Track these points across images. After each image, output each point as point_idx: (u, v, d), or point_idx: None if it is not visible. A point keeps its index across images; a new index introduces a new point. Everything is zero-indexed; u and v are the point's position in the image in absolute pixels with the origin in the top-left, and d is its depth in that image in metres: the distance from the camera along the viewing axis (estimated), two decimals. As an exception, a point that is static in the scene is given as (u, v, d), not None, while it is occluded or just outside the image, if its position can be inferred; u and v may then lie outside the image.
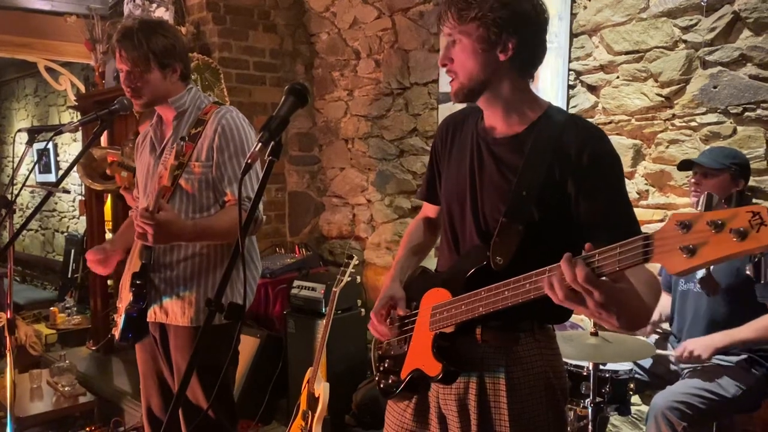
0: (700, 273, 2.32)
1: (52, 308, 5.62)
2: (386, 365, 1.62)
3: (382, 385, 1.62)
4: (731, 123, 2.53)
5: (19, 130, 2.40)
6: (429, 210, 1.76)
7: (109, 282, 4.76)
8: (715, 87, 2.56)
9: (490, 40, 1.35)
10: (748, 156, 2.41)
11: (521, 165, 1.38)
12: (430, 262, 1.71)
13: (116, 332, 2.14)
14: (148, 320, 2.09)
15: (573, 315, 1.54)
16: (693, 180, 2.41)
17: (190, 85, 2.14)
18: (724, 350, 2.29)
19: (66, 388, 3.80)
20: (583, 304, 1.12)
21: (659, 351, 2.49)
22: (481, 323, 1.40)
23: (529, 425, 1.41)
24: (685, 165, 2.42)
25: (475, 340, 1.43)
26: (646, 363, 2.53)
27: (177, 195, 2.04)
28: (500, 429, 1.41)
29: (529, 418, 1.41)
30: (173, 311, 2.05)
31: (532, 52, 1.40)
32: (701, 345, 2.25)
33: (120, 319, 2.12)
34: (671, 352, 2.44)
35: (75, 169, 4.22)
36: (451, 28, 1.37)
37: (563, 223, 1.36)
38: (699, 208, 2.11)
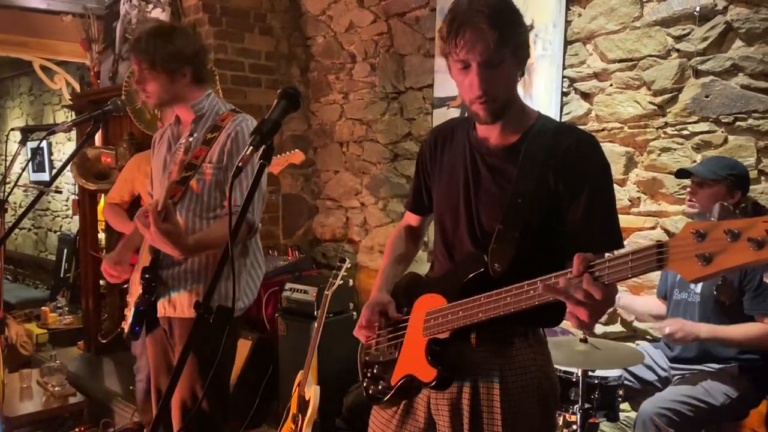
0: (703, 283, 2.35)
1: (43, 308, 5.60)
2: (375, 371, 1.62)
3: (370, 391, 1.61)
4: (722, 132, 2.55)
5: (13, 129, 2.41)
6: (412, 219, 1.78)
7: (101, 282, 4.75)
8: (707, 96, 2.57)
9: (521, 57, 1.39)
10: (739, 165, 2.42)
11: (515, 173, 1.40)
12: (421, 269, 1.71)
13: (126, 326, 2.18)
14: (158, 315, 2.15)
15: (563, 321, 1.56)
16: (689, 189, 2.42)
17: (209, 90, 2.23)
18: (705, 341, 2.31)
19: (56, 389, 3.78)
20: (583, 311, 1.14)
21: (655, 324, 2.50)
22: (475, 328, 1.41)
23: (522, 428, 1.42)
24: (682, 174, 2.44)
25: (469, 344, 1.44)
26: (637, 370, 2.54)
27: (187, 195, 2.11)
28: (492, 428, 1.41)
29: (521, 422, 1.42)
30: (181, 304, 2.11)
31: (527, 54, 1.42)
32: (685, 330, 2.27)
33: (129, 314, 2.18)
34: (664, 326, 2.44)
35: (68, 168, 4.23)
36: (490, 52, 1.32)
37: (558, 229, 1.38)
38: (712, 218, 2.14)
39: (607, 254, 1.15)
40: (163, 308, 2.14)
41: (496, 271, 1.37)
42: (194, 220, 2.11)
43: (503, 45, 1.32)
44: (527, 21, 1.42)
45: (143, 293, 2.11)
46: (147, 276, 2.10)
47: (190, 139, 2.03)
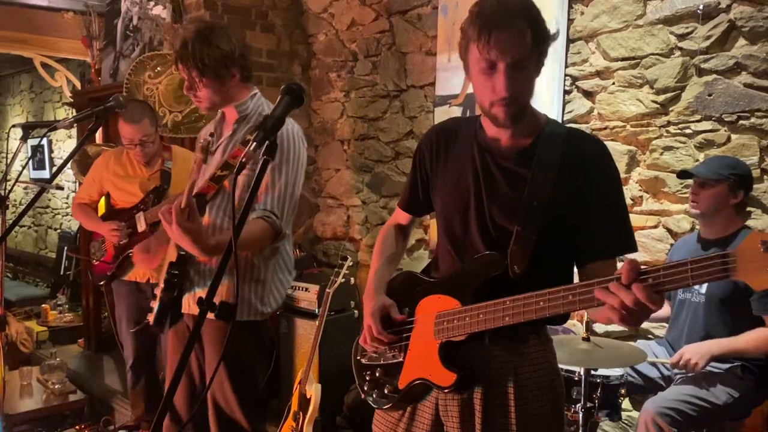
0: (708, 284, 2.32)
1: (43, 305, 5.61)
2: (377, 375, 1.59)
3: (373, 395, 1.57)
4: (725, 131, 2.54)
5: (13, 126, 2.40)
6: (402, 217, 1.75)
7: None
8: (709, 95, 2.57)
9: (542, 62, 1.38)
10: (741, 164, 2.41)
11: (530, 176, 1.40)
12: (420, 267, 1.70)
13: (151, 318, 2.18)
14: (182, 311, 2.14)
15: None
16: (691, 189, 2.42)
17: (255, 90, 2.19)
18: (720, 358, 2.29)
19: (56, 386, 3.78)
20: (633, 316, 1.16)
21: (651, 359, 2.49)
22: (490, 330, 1.39)
23: (535, 423, 1.42)
24: (684, 175, 2.43)
25: (482, 344, 1.42)
26: (640, 366, 2.53)
27: (219, 194, 2.10)
28: (506, 427, 1.41)
29: (534, 416, 1.42)
30: None
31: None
32: (698, 352, 2.25)
33: (155, 306, 2.17)
34: (665, 360, 2.45)
35: (69, 165, 4.23)
36: (523, 55, 1.31)
37: (571, 232, 1.40)
38: None
39: (638, 262, 1.16)
40: (187, 304, 2.13)
41: (515, 273, 1.37)
42: (224, 219, 2.11)
43: (535, 48, 1.32)
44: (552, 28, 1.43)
45: (165, 288, 2.10)
46: (172, 271, 2.10)
47: (229, 142, 2.01)
